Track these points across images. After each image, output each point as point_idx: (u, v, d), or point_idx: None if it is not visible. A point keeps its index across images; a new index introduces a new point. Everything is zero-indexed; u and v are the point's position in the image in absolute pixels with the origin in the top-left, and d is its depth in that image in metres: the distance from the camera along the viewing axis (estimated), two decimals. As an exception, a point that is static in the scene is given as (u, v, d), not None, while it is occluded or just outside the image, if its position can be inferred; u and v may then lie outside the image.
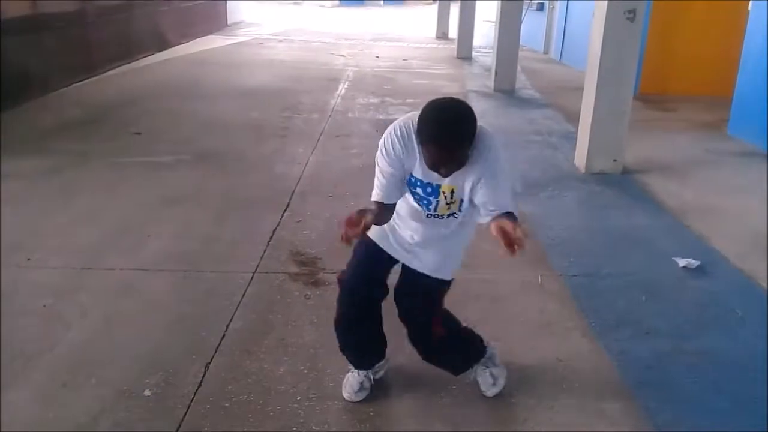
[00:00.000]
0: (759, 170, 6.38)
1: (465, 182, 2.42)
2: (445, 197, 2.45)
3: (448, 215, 2.54)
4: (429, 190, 2.45)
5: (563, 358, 3.22)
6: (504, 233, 2.17)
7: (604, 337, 3.42)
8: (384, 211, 2.48)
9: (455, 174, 2.35)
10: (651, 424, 2.78)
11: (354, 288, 2.74)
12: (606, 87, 5.99)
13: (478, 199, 2.42)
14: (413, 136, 2.36)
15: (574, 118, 7.49)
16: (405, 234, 2.65)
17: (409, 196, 2.57)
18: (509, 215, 2.33)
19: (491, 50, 11.97)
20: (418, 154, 2.38)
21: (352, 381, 2.89)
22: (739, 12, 8.71)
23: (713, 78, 9.74)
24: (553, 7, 15.71)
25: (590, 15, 6.41)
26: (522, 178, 5.85)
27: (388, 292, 2.76)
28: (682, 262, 4.26)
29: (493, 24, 11.55)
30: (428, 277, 2.67)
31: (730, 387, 3.05)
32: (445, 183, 2.41)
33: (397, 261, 2.73)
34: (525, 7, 11.67)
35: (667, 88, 10.31)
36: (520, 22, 10.93)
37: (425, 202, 2.50)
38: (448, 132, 2.21)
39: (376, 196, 2.49)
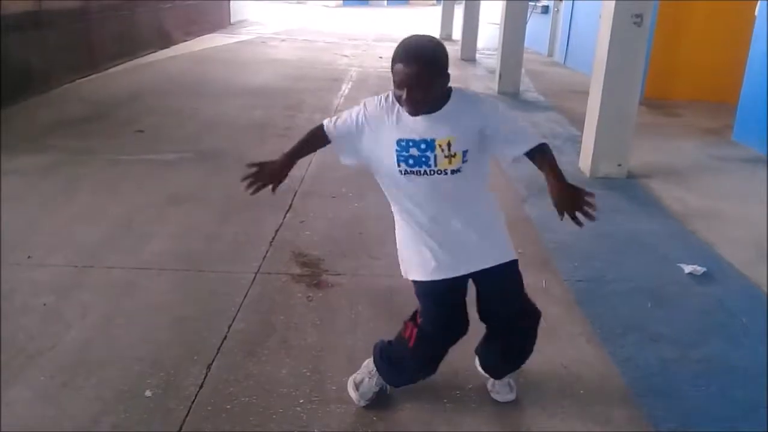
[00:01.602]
0: (763, 176, 6.35)
1: (462, 130, 2.38)
2: (442, 150, 2.37)
3: (452, 171, 2.41)
4: (423, 146, 2.38)
5: (568, 365, 3.20)
6: (563, 197, 2.32)
7: (610, 344, 3.39)
8: (318, 140, 2.64)
9: (445, 124, 2.36)
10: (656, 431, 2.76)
11: (440, 340, 2.63)
12: (612, 91, 5.96)
13: (500, 147, 2.45)
14: (393, 101, 2.43)
15: (578, 121, 7.47)
16: (440, 230, 2.50)
17: (407, 177, 2.46)
18: (546, 156, 2.42)
19: (495, 52, 11.96)
20: (396, 115, 2.41)
21: (367, 387, 2.83)
22: (744, 18, 8.67)
23: (718, 84, 9.73)
24: (558, 10, 15.70)
25: (595, 18, 6.40)
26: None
27: (468, 328, 2.64)
28: (687, 269, 4.23)
29: (498, 26, 11.52)
30: (502, 267, 2.55)
31: (736, 394, 3.02)
32: (439, 137, 2.37)
33: (464, 283, 2.58)
34: (529, 9, 11.64)
35: (672, 93, 10.29)
36: (525, 25, 10.90)
37: (424, 159, 2.39)
38: (413, 51, 2.29)
39: (327, 122, 2.62)
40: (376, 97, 2.51)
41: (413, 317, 2.66)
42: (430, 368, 2.74)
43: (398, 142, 2.40)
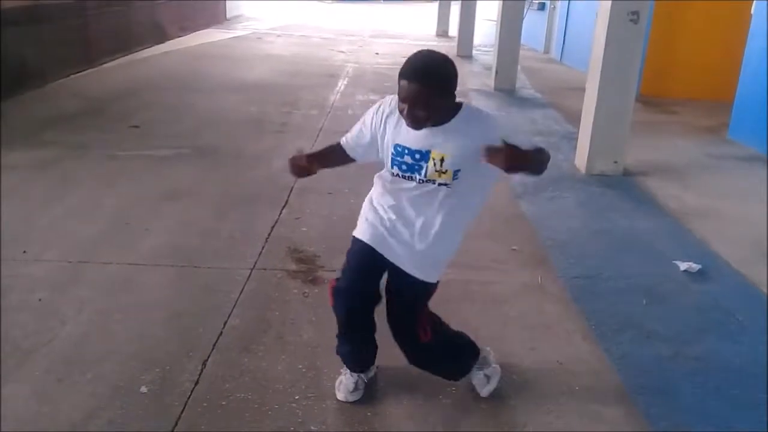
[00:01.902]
0: (759, 175, 6.37)
1: (460, 150, 2.39)
2: (434, 164, 2.41)
3: (440, 184, 2.45)
4: (418, 156, 2.43)
5: (564, 362, 3.20)
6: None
7: (605, 341, 3.39)
8: (338, 155, 2.75)
9: (444, 140, 2.39)
10: (652, 429, 2.76)
11: (347, 297, 2.70)
12: (608, 88, 5.97)
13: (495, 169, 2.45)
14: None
15: (574, 118, 7.48)
16: (397, 218, 2.57)
17: (395, 179, 2.54)
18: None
19: (492, 49, 11.96)
20: (400, 120, 2.45)
21: (346, 382, 2.86)
22: (741, 15, 8.69)
23: (714, 81, 9.75)
24: (554, 7, 15.69)
25: (591, 15, 6.41)
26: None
27: (381, 298, 2.72)
28: (683, 266, 4.23)
29: (494, 23, 11.52)
30: (414, 280, 2.60)
31: (731, 392, 3.03)
32: (435, 150, 2.40)
33: (384, 265, 2.64)
34: (526, 6, 11.64)
35: (668, 90, 10.29)
36: (522, 22, 10.90)
37: (416, 168, 2.45)
38: (419, 69, 2.31)
39: (343, 139, 2.73)
40: (387, 97, 2.57)
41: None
42: (353, 329, 2.78)
43: (395, 146, 2.47)
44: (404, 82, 2.30)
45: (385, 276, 2.70)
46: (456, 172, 2.42)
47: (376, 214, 2.63)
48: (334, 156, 2.77)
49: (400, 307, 2.71)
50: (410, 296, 2.68)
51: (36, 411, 2.70)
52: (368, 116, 2.61)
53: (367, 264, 2.65)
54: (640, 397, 2.96)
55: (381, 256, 2.61)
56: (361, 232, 2.66)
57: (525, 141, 2.32)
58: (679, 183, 6.08)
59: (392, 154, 2.48)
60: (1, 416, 2.64)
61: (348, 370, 2.88)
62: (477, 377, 2.91)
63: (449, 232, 2.59)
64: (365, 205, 2.72)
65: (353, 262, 2.69)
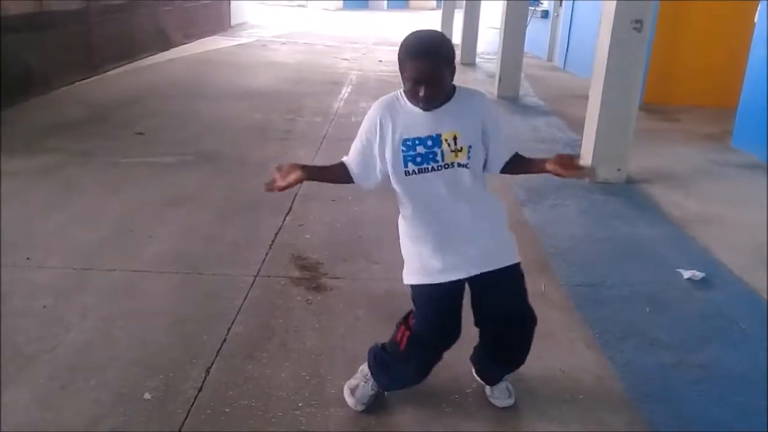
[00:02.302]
0: (762, 182, 6.36)
1: (467, 125, 2.41)
2: (448, 144, 2.39)
3: (459, 165, 2.41)
4: (430, 142, 2.40)
5: (567, 369, 3.19)
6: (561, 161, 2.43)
7: (609, 349, 3.39)
8: (341, 173, 2.57)
9: (450, 119, 2.39)
10: (655, 438, 2.76)
11: (434, 342, 2.62)
12: (611, 96, 5.97)
13: (492, 156, 2.53)
14: (400, 96, 2.45)
15: (577, 126, 7.48)
16: (447, 229, 2.48)
17: (418, 184, 2.45)
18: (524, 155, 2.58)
19: (495, 56, 11.98)
20: (402, 115, 2.43)
21: (363, 392, 2.82)
22: (744, 23, 8.69)
23: (718, 89, 9.74)
24: (558, 15, 15.72)
25: (595, 23, 6.41)
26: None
27: (461, 331, 2.62)
28: (686, 274, 4.23)
29: (498, 30, 11.54)
30: (505, 271, 2.52)
31: (735, 400, 3.02)
32: (445, 131, 2.39)
33: (462, 284, 2.54)
34: (529, 14, 11.66)
35: (671, 98, 10.28)
36: (525, 29, 10.91)
37: (431, 155, 2.40)
38: (427, 46, 2.31)
39: (346, 157, 2.59)
40: (374, 105, 2.51)
41: (405, 319, 2.66)
42: (422, 372, 2.73)
43: (404, 142, 2.41)
44: (417, 63, 2.27)
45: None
46: (470, 149, 2.41)
47: (426, 244, 2.50)
48: (330, 170, 2.64)
49: (516, 298, 2.63)
50: (514, 287, 2.62)
51: (39, 417, 2.71)
52: (366, 128, 2.49)
53: (446, 301, 2.55)
54: (644, 404, 2.95)
55: (461, 281, 2.52)
56: (426, 273, 2.51)
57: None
58: (683, 190, 6.07)
59: (402, 151, 2.41)
60: (2, 422, 2.64)
61: (375, 383, 2.81)
62: (500, 387, 2.90)
63: (494, 209, 2.58)
64: (405, 240, 2.59)
65: (431, 309, 2.56)
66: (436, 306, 2.56)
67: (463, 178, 2.44)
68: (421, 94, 2.30)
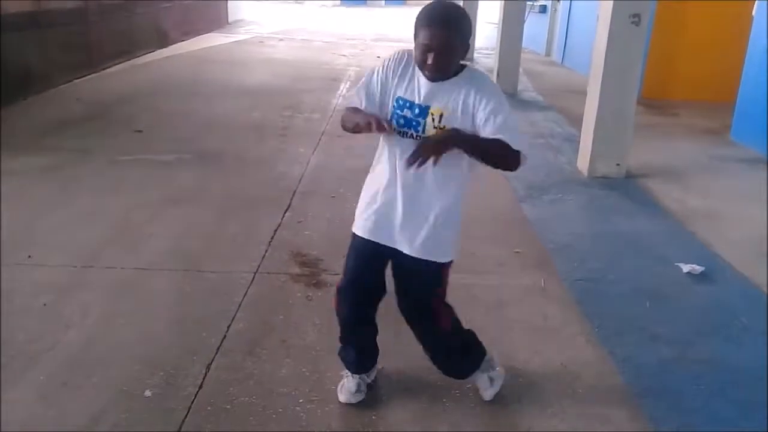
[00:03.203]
0: (762, 176, 6.37)
1: (457, 107, 2.38)
2: (433, 119, 2.39)
3: None
4: (417, 111, 2.41)
5: (567, 364, 3.20)
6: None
7: (609, 343, 3.39)
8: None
9: (443, 95, 2.38)
10: (656, 431, 2.77)
11: (351, 292, 2.72)
12: (610, 91, 5.97)
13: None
14: (410, 60, 2.44)
15: (576, 121, 7.48)
16: (394, 195, 2.52)
17: (388, 142, 2.51)
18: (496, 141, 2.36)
19: (493, 52, 11.97)
20: (409, 75, 2.44)
21: (348, 384, 2.86)
22: (742, 17, 8.69)
23: (716, 83, 9.73)
24: (556, 10, 15.70)
25: (593, 18, 6.41)
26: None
27: (385, 292, 2.73)
28: (686, 268, 4.23)
29: (496, 26, 11.53)
30: (425, 262, 2.56)
31: (736, 394, 3.03)
32: (435, 106, 2.39)
33: (390, 254, 2.60)
34: (527, 9, 11.65)
35: (669, 93, 10.28)
36: (523, 24, 10.90)
37: (414, 123, 2.41)
38: (443, 15, 2.30)
39: (357, 101, 2.54)
40: (399, 52, 2.51)
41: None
42: (355, 330, 2.81)
43: (397, 99, 2.45)
44: (430, 30, 2.27)
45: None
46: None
47: (372, 201, 2.60)
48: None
49: (418, 291, 2.69)
50: (425, 280, 2.65)
51: (41, 415, 2.71)
52: (389, 64, 2.49)
53: (367, 257, 2.66)
54: (645, 399, 2.96)
55: (383, 246, 2.59)
56: (359, 226, 2.66)
57: (514, 118, 2.44)
58: (682, 185, 6.08)
59: (393, 106, 2.45)
60: (5, 420, 2.64)
61: (350, 373, 2.88)
62: (481, 379, 2.91)
63: (447, 206, 2.53)
64: (363, 190, 2.69)
65: (353, 258, 2.70)
66: (356, 257, 2.69)
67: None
68: (429, 62, 2.30)
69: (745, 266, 4.34)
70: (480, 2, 15.27)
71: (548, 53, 16.21)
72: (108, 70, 11.00)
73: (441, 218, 2.53)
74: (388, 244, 2.58)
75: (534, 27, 15.54)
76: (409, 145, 2.37)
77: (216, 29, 18.16)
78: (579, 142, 6.58)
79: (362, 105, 2.52)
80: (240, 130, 7.55)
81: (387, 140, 2.53)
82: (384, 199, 2.56)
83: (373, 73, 2.53)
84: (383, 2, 37.89)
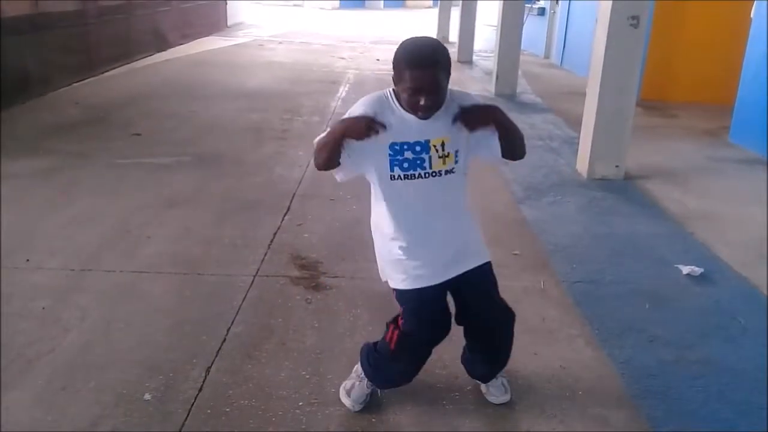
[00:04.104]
0: (761, 178, 6.37)
1: (455, 130, 2.37)
2: (437, 150, 2.37)
3: (446, 172, 2.41)
4: (418, 148, 2.37)
5: (566, 366, 3.20)
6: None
7: (608, 345, 3.39)
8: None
9: (439, 125, 2.36)
10: (656, 434, 2.76)
11: (424, 352, 2.67)
12: (609, 93, 5.97)
13: (488, 143, 2.43)
14: (390, 96, 2.40)
15: (575, 123, 7.49)
16: (425, 234, 2.50)
17: (396, 186, 2.44)
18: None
19: (492, 54, 11.97)
20: (393, 118, 2.36)
21: (360, 392, 2.82)
22: (741, 19, 8.70)
23: (715, 85, 9.75)
24: (555, 12, 15.72)
25: (591, 20, 6.41)
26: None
27: (450, 326, 2.66)
28: (685, 270, 4.23)
29: (495, 28, 11.54)
30: (483, 267, 2.58)
31: (735, 396, 3.03)
32: (434, 137, 2.36)
33: (449, 284, 2.56)
34: (526, 11, 11.66)
35: (668, 94, 10.30)
36: (522, 26, 10.91)
37: (419, 162, 2.38)
38: (429, 55, 2.26)
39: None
40: (363, 101, 2.44)
41: (395, 319, 2.67)
42: (414, 369, 2.75)
43: (392, 146, 2.38)
44: (417, 72, 2.22)
45: None
46: (456, 153, 2.40)
47: (410, 253, 2.50)
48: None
49: (495, 294, 2.68)
50: (489, 284, 2.66)
51: (39, 419, 2.71)
52: (360, 113, 2.40)
53: (429, 302, 2.57)
54: (644, 401, 2.96)
55: (442, 283, 2.54)
56: (409, 281, 2.53)
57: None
58: (681, 186, 6.08)
59: (389, 155, 2.38)
60: (4, 423, 2.64)
61: (369, 382, 2.82)
62: (496, 384, 2.90)
63: (467, 212, 2.59)
64: (384, 244, 2.58)
65: (417, 312, 2.58)
66: (422, 307, 2.57)
67: (448, 185, 2.45)
68: (422, 103, 2.26)
69: (744, 267, 4.35)
70: (479, 4, 15.30)
71: (547, 55, 16.22)
72: (106, 73, 11.00)
73: (469, 222, 2.59)
74: (454, 275, 2.54)
75: (533, 29, 15.56)
76: (420, 185, 2.41)
77: (215, 32, 18.16)
78: (578, 144, 6.58)
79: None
80: (239, 133, 7.55)
81: (389, 190, 2.46)
82: (422, 243, 2.50)
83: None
84: (381, 4, 37.93)
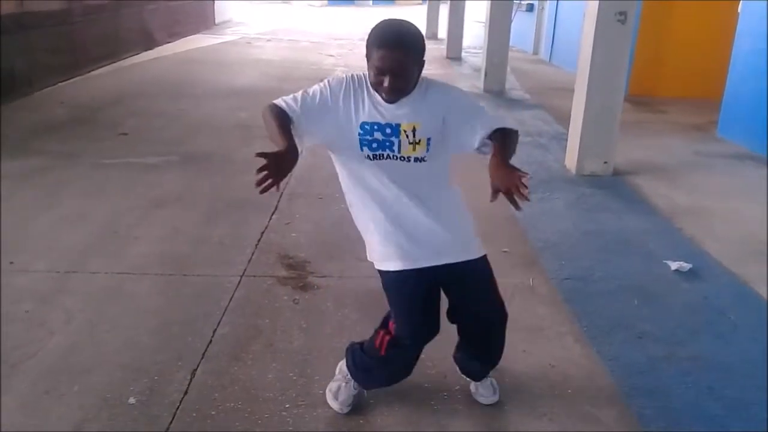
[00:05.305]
0: (749, 172, 6.38)
1: (427, 118, 2.33)
2: (407, 135, 2.33)
3: (416, 159, 2.36)
4: (388, 131, 2.33)
5: (556, 364, 3.19)
6: (499, 174, 2.16)
7: (597, 342, 3.38)
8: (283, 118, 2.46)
9: (411, 110, 2.32)
10: (645, 430, 2.75)
11: (414, 350, 2.62)
12: (597, 88, 5.97)
13: (463, 135, 2.35)
14: (363, 81, 2.38)
15: (563, 119, 7.48)
16: (404, 216, 2.44)
17: (374, 167, 2.40)
18: (505, 134, 2.30)
19: (481, 51, 11.96)
20: (365, 99, 2.36)
21: (348, 393, 2.79)
22: (728, 14, 8.71)
23: (703, 80, 9.78)
24: (543, 8, 15.72)
25: (579, 16, 6.40)
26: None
27: (439, 327, 2.61)
28: (674, 265, 4.23)
29: (483, 24, 11.52)
30: (471, 265, 2.51)
31: (725, 393, 3.02)
32: (405, 122, 2.32)
33: (439, 275, 2.50)
34: (514, 7, 11.65)
35: (656, 90, 10.33)
36: (510, 23, 10.91)
37: (388, 144, 2.34)
38: (396, 36, 2.24)
39: (283, 102, 2.53)
40: (340, 76, 2.44)
41: (384, 324, 2.64)
42: (404, 372, 2.72)
43: (362, 125, 2.35)
44: (384, 52, 2.19)
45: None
46: (428, 141, 2.35)
47: (389, 231, 2.46)
48: (282, 125, 2.46)
49: (492, 290, 2.62)
50: (482, 281, 2.59)
51: (23, 423, 2.67)
52: (334, 84, 2.42)
53: (420, 296, 2.51)
54: (633, 398, 2.95)
55: (429, 270, 2.48)
56: (390, 259, 2.48)
57: (482, 106, 2.42)
58: (669, 182, 6.08)
59: (359, 134, 2.35)
60: (-12, 430, 2.61)
61: (356, 383, 2.79)
62: (485, 384, 2.89)
63: (452, 206, 2.54)
64: (365, 226, 2.56)
65: (405, 302, 2.54)
66: (409, 299, 2.53)
67: (419, 173, 2.39)
68: (385, 84, 2.24)
69: (733, 263, 4.34)
70: (467, 1, 15.28)
71: (536, 51, 16.23)
72: (93, 72, 10.92)
73: (454, 216, 2.53)
74: (435, 263, 2.46)
75: (521, 25, 15.56)
76: (392, 165, 2.37)
77: (203, 30, 18.09)
78: (566, 140, 6.58)
79: (298, 107, 2.49)
80: (227, 132, 7.50)
81: (358, 169, 2.43)
82: (400, 223, 2.45)
83: (317, 89, 2.45)
84: (371, 2, 37.85)
